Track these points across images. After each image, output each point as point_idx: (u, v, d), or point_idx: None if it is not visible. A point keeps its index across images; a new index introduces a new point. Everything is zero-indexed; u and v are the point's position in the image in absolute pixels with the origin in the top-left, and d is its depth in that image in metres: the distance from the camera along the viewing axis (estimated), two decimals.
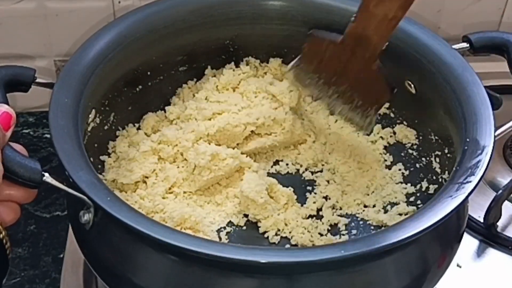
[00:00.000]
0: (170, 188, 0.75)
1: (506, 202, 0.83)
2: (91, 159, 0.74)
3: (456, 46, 0.76)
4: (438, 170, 0.76)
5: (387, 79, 0.75)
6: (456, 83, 0.71)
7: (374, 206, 0.76)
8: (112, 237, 0.62)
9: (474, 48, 0.76)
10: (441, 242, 0.65)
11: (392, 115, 0.83)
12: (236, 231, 0.74)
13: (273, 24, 0.83)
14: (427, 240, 0.63)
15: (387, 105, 0.83)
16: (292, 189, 0.76)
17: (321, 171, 0.80)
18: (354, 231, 0.74)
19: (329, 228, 0.74)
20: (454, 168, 0.65)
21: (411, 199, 0.77)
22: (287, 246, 0.72)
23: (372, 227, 0.74)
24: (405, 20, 0.77)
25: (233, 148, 0.78)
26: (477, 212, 0.84)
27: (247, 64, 0.85)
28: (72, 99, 0.67)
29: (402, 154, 0.81)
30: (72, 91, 0.67)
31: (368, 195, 0.77)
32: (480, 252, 0.82)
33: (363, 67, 0.74)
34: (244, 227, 0.74)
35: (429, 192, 0.76)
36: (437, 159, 0.77)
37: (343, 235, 0.74)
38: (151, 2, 0.79)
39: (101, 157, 0.76)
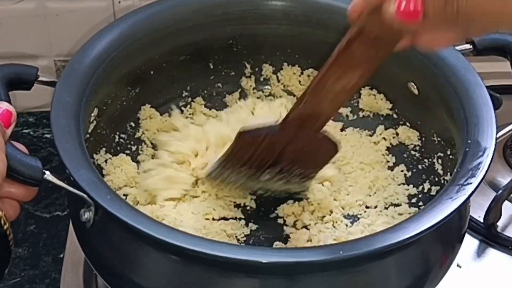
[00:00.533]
0: None
1: (506, 202, 0.83)
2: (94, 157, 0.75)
3: (459, 48, 0.76)
4: (441, 172, 0.76)
5: (329, 137, 0.69)
6: (458, 84, 0.71)
7: (375, 207, 0.76)
8: (112, 236, 0.62)
9: (477, 49, 0.76)
10: (443, 242, 0.65)
11: (395, 116, 0.83)
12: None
13: (276, 24, 0.83)
14: (428, 241, 0.63)
15: (390, 106, 0.83)
16: None
17: None
18: None
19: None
20: (455, 170, 0.65)
21: (413, 200, 0.77)
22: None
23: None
24: None
25: None
26: (477, 212, 0.84)
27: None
28: (74, 98, 0.67)
29: (405, 155, 0.81)
30: (74, 90, 0.67)
31: (370, 196, 0.77)
32: (480, 252, 0.82)
33: (306, 142, 0.69)
34: None
35: (431, 193, 0.76)
36: (440, 161, 0.77)
37: None
38: (153, 2, 0.79)
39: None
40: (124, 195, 0.74)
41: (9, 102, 0.63)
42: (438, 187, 0.75)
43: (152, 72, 0.80)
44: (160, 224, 0.58)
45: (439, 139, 0.77)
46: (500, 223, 0.84)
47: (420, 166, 0.79)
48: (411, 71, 0.78)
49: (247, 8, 0.81)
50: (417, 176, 0.79)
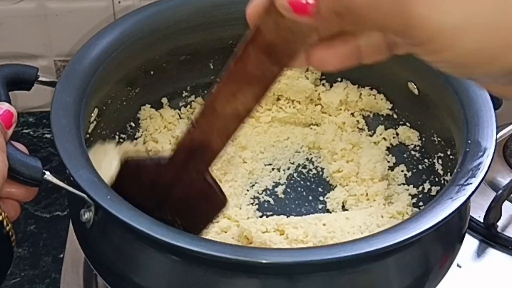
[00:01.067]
0: None
1: (506, 202, 0.83)
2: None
3: None
4: (441, 172, 0.76)
5: (217, 185, 0.60)
6: (458, 84, 0.71)
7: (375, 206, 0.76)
8: (112, 236, 0.62)
9: None
10: (443, 243, 0.65)
11: (395, 116, 0.83)
12: None
13: None
14: (429, 241, 0.63)
15: (390, 106, 0.83)
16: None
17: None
18: None
19: None
20: (455, 170, 0.65)
21: (413, 200, 0.77)
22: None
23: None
24: None
25: None
26: (477, 212, 0.84)
27: None
28: (74, 98, 0.67)
29: (405, 155, 0.81)
30: (74, 90, 0.67)
31: (370, 195, 0.77)
32: (480, 252, 0.82)
33: (191, 186, 0.60)
34: None
35: (431, 193, 0.76)
36: (440, 161, 0.77)
37: None
38: (153, 2, 0.79)
39: None
40: None
41: (10, 102, 0.63)
42: (438, 187, 0.76)
43: (152, 72, 0.80)
44: (160, 225, 0.58)
45: (439, 139, 0.77)
46: (500, 223, 0.84)
47: (420, 166, 0.80)
48: (411, 71, 0.78)
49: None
50: (417, 176, 0.79)
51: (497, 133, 0.67)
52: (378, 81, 0.83)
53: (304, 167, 0.82)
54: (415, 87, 0.79)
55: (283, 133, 0.85)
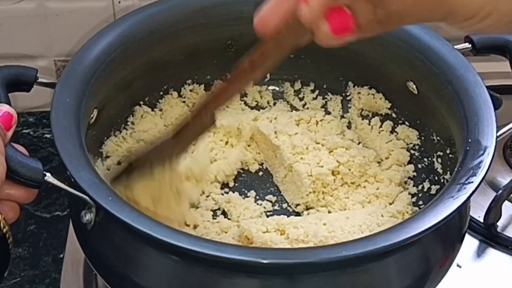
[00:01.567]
0: None
1: (506, 202, 0.83)
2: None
3: (458, 47, 0.76)
4: (440, 171, 0.76)
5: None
6: (458, 83, 0.71)
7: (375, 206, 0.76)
8: (113, 237, 0.62)
9: (476, 48, 0.76)
10: (443, 242, 0.65)
11: (394, 115, 0.83)
12: None
13: None
14: (429, 240, 0.63)
15: (389, 105, 0.83)
16: None
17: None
18: None
19: None
20: (455, 169, 0.65)
21: (413, 199, 0.77)
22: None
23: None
24: None
25: None
26: (477, 212, 0.84)
27: None
28: (74, 99, 0.67)
29: None
30: (74, 91, 0.67)
31: (369, 195, 0.77)
32: (480, 252, 0.82)
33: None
34: None
35: (431, 192, 0.76)
36: (439, 160, 0.77)
37: None
38: (153, 2, 0.79)
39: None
40: None
41: (9, 104, 0.62)
42: (438, 186, 0.76)
43: (151, 72, 0.80)
44: (161, 225, 0.58)
45: (438, 138, 0.77)
46: (500, 223, 0.84)
47: (419, 165, 0.80)
48: (410, 71, 0.78)
49: (247, 8, 0.81)
50: (416, 175, 0.79)
51: (497, 133, 0.67)
52: (377, 81, 0.83)
53: None
54: (414, 86, 0.79)
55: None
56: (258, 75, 0.56)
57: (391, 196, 0.77)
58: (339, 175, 0.78)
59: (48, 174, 0.59)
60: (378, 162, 0.80)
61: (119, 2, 0.94)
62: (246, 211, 0.76)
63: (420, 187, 0.78)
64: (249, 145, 0.83)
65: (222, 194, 0.78)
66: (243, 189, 0.80)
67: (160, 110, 0.83)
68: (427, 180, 0.77)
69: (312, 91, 0.87)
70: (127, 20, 0.76)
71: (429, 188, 0.76)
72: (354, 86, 0.85)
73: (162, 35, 0.78)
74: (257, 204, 0.78)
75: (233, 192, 0.78)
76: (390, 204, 0.76)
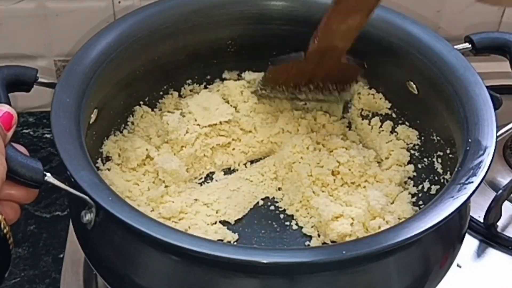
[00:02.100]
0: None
1: (506, 202, 0.83)
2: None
3: (458, 47, 0.76)
4: (440, 171, 0.76)
5: (354, 60, 0.78)
6: (458, 83, 0.71)
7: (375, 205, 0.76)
8: (113, 237, 0.62)
9: (476, 48, 0.76)
10: (443, 242, 0.66)
11: (394, 115, 0.83)
12: None
13: (275, 24, 0.83)
14: (429, 240, 0.63)
15: (389, 105, 0.83)
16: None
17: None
18: None
19: None
20: (456, 169, 0.65)
21: (413, 199, 0.77)
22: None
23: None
24: (407, 21, 0.78)
25: None
26: (477, 212, 0.84)
27: None
28: (74, 99, 0.67)
29: None
30: (74, 91, 0.67)
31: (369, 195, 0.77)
32: (480, 252, 0.82)
33: (332, 66, 0.77)
34: None
35: (431, 192, 0.76)
36: (439, 160, 0.77)
37: None
38: (153, 2, 0.79)
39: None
40: None
41: (9, 104, 0.62)
42: (438, 186, 0.75)
43: (151, 73, 0.80)
44: (161, 225, 0.58)
45: (438, 138, 0.77)
46: (500, 223, 0.84)
47: (419, 165, 0.79)
48: (410, 70, 0.78)
49: (247, 8, 0.81)
50: (416, 175, 0.79)
51: (497, 133, 0.67)
52: (377, 81, 0.83)
53: None
54: (414, 86, 0.79)
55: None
56: None
57: (391, 196, 0.77)
58: (339, 175, 0.78)
59: (48, 174, 0.59)
60: (378, 162, 0.80)
61: (119, 2, 0.94)
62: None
63: (420, 187, 0.78)
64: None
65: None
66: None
67: (160, 110, 0.83)
68: (427, 180, 0.77)
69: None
70: (127, 20, 0.76)
71: (429, 188, 0.76)
72: (354, 86, 0.85)
73: (162, 35, 0.78)
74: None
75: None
76: (390, 204, 0.76)
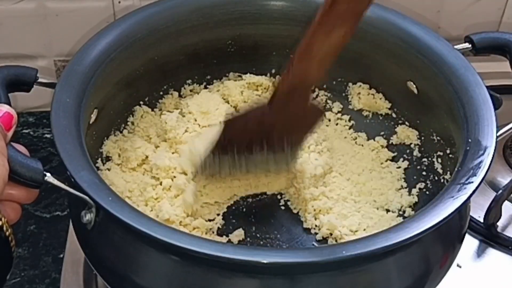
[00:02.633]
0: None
1: (506, 202, 0.83)
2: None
3: (458, 47, 0.76)
4: (440, 171, 0.76)
5: (315, 105, 0.72)
6: (458, 83, 0.71)
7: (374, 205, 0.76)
8: (113, 237, 0.62)
9: (476, 48, 0.76)
10: (443, 242, 0.66)
11: (394, 115, 0.83)
12: None
13: (275, 24, 0.83)
14: (429, 241, 0.63)
15: (389, 105, 0.83)
16: None
17: None
18: None
19: None
20: (456, 169, 0.65)
21: (413, 199, 0.77)
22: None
23: None
24: (407, 21, 0.78)
25: None
26: (477, 212, 0.84)
27: None
28: (74, 99, 0.67)
29: (404, 154, 0.81)
30: (74, 91, 0.67)
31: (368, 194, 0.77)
32: (480, 252, 0.82)
33: (296, 110, 0.69)
34: None
35: (431, 192, 0.76)
36: (439, 160, 0.77)
37: None
38: (153, 2, 0.79)
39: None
40: None
41: (9, 104, 0.62)
42: (438, 186, 0.75)
43: (151, 72, 0.80)
44: (161, 225, 0.58)
45: (438, 138, 0.77)
46: (500, 223, 0.84)
47: (419, 165, 0.79)
48: (410, 70, 0.78)
49: (247, 8, 0.81)
50: (417, 175, 0.79)
51: (497, 133, 0.67)
52: (377, 81, 0.83)
53: None
54: (414, 86, 0.79)
55: None
56: None
57: (391, 196, 0.77)
58: (338, 175, 0.78)
59: (48, 174, 0.59)
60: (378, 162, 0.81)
61: (119, 2, 0.94)
62: None
63: (420, 187, 0.78)
64: None
65: None
66: None
67: (160, 110, 0.83)
68: (427, 180, 0.77)
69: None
70: (127, 20, 0.76)
71: (429, 188, 0.76)
72: (354, 86, 0.85)
73: (162, 35, 0.78)
74: None
75: None
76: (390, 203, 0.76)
